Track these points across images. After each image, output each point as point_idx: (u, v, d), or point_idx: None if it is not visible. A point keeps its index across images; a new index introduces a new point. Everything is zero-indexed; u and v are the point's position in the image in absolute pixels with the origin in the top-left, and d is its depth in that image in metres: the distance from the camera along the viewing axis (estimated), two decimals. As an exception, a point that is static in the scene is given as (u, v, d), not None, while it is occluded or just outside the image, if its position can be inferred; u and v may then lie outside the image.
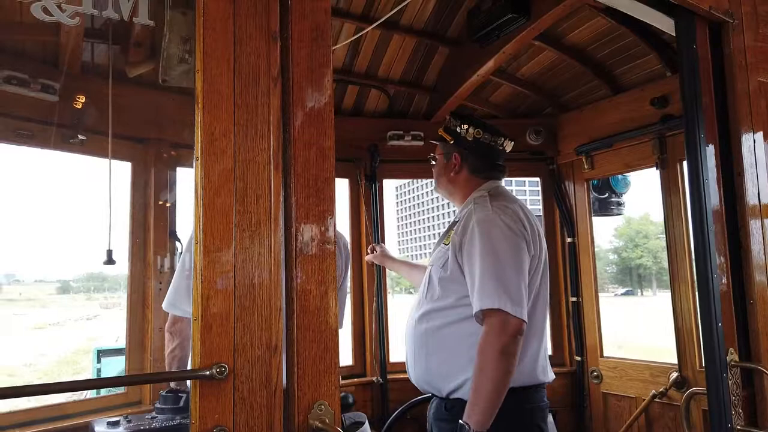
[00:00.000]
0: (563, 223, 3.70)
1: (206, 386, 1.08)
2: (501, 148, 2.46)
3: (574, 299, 3.63)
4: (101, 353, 7.60)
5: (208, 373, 1.07)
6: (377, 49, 3.44)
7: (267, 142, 1.19)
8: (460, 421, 1.98)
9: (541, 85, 3.64)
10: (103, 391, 3.38)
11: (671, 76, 3.05)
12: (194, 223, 1.12)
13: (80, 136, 2.74)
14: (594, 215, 3.68)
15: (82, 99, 2.76)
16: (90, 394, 3.52)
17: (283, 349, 1.20)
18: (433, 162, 2.53)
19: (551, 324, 3.71)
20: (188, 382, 1.80)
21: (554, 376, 2.34)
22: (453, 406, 2.14)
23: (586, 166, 3.52)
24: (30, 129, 2.66)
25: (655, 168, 3.20)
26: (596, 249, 3.65)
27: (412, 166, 3.75)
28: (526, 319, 2.04)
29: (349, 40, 3.18)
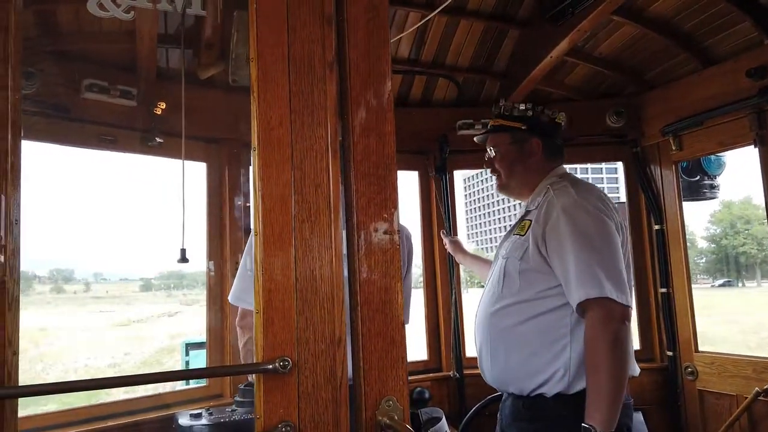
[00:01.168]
0: (650, 210, 3.46)
1: (270, 380, 1.06)
2: (563, 124, 2.33)
3: (663, 290, 3.38)
4: (189, 346, 7.98)
5: (271, 366, 1.04)
6: (444, 37, 3.35)
7: (324, 130, 1.15)
8: (583, 424, 1.81)
9: (622, 62, 3.41)
10: (180, 385, 3.53)
11: (770, 43, 2.76)
12: (253, 215, 1.10)
13: (158, 139, 2.84)
14: (684, 200, 3.41)
15: (158, 103, 2.86)
16: (175, 386, 3.68)
17: (347, 343, 1.16)
18: (493, 151, 2.33)
19: (639, 317, 3.50)
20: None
21: (639, 370, 2.16)
22: (533, 404, 2.02)
23: (673, 147, 3.26)
24: (112, 134, 2.79)
25: (753, 146, 2.92)
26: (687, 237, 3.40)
27: (483, 155, 3.62)
28: (632, 306, 1.90)
29: (414, 27, 3.11)
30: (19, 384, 0.95)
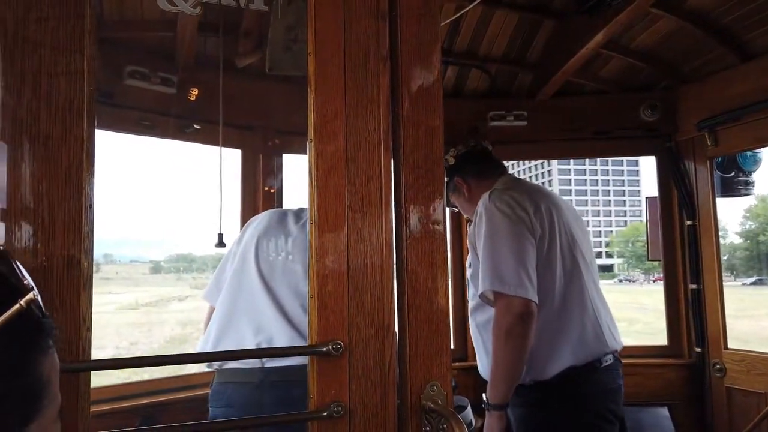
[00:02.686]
0: (682, 205, 3.43)
1: (323, 362, 1.11)
2: (480, 148, 2.64)
3: (693, 286, 3.37)
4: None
5: (324, 349, 1.09)
6: (478, 28, 3.34)
7: (377, 123, 1.18)
8: (483, 395, 2.16)
9: (658, 56, 3.37)
10: (204, 366, 3.61)
11: (813, 39, 2.71)
12: (309, 204, 1.15)
13: (195, 126, 2.90)
14: (718, 196, 3.38)
15: (196, 90, 2.92)
16: (202, 367, 3.77)
17: (394, 329, 1.20)
18: (457, 209, 2.80)
19: (668, 312, 3.49)
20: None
21: (617, 346, 2.29)
22: (518, 392, 2.19)
23: (709, 143, 3.23)
24: (151, 120, 2.85)
25: (792, 142, 2.88)
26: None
27: (514, 147, 3.64)
28: (534, 298, 2.06)
29: (449, 20, 3.11)
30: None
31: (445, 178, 2.62)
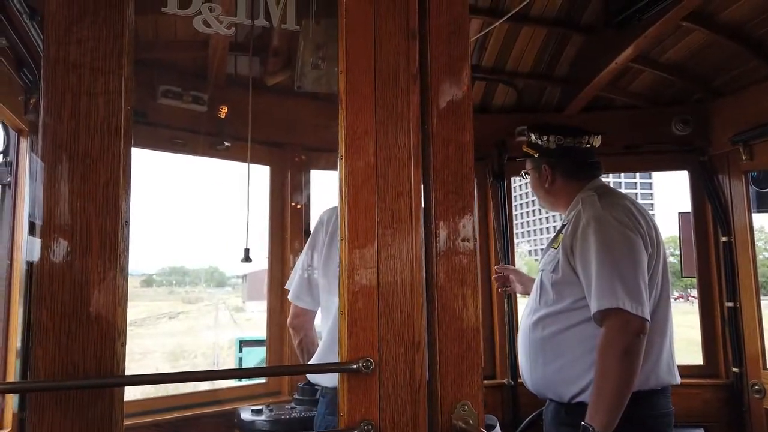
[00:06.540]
0: (717, 220, 3.35)
1: (353, 380, 1.10)
2: (588, 146, 2.43)
3: (730, 304, 3.27)
4: (243, 343, 8.23)
5: (355, 366, 1.08)
6: (505, 43, 3.34)
7: (407, 139, 1.19)
8: (582, 423, 1.94)
9: (689, 69, 3.32)
10: (245, 381, 3.63)
11: None
12: (339, 220, 1.15)
13: (226, 143, 2.95)
14: (753, 212, 3.30)
15: (226, 108, 2.97)
16: (234, 382, 3.79)
17: (425, 347, 1.19)
18: (527, 176, 2.61)
19: (703, 331, 3.39)
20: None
21: (680, 379, 2.21)
22: (574, 411, 2.08)
23: (744, 157, 3.15)
24: (183, 137, 2.91)
25: (832, 156, 2.79)
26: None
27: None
28: (649, 318, 1.96)
29: (476, 36, 3.12)
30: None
31: (534, 153, 2.50)
